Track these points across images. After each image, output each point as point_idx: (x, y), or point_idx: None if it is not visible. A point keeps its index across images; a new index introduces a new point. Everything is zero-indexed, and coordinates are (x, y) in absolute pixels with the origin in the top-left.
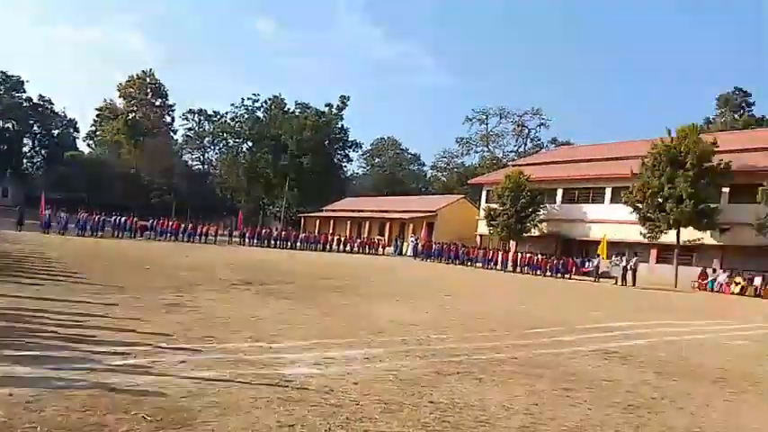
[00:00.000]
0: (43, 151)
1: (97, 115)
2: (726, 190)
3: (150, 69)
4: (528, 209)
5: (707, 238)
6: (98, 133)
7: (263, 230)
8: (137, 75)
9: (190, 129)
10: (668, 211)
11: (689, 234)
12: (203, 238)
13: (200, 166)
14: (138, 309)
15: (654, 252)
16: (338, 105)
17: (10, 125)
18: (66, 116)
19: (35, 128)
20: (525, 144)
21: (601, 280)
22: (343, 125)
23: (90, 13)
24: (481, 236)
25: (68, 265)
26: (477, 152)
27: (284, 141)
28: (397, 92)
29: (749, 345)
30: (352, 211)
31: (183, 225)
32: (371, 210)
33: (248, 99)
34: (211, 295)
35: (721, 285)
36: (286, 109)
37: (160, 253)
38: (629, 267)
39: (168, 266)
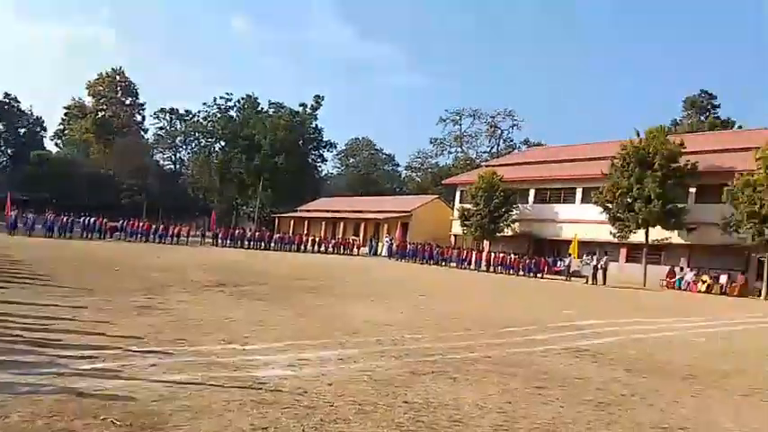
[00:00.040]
0: (9, 150)
1: (65, 114)
2: (692, 190)
3: (120, 67)
4: (501, 209)
5: (674, 237)
6: (66, 132)
7: (237, 231)
8: (106, 73)
9: (161, 128)
10: (637, 211)
11: (657, 233)
12: (175, 238)
13: (172, 166)
14: (108, 311)
15: (623, 251)
16: (312, 105)
17: None
18: (32, 114)
19: (0, 126)
20: (498, 145)
21: (572, 279)
22: (317, 125)
23: (59, 8)
24: (455, 236)
25: (35, 267)
26: (450, 152)
27: (258, 141)
28: (372, 92)
29: (716, 342)
30: (327, 211)
31: (154, 226)
32: (346, 210)
33: (221, 98)
34: (183, 297)
35: (688, 284)
36: (259, 108)
37: (131, 254)
38: (599, 266)
39: (139, 268)
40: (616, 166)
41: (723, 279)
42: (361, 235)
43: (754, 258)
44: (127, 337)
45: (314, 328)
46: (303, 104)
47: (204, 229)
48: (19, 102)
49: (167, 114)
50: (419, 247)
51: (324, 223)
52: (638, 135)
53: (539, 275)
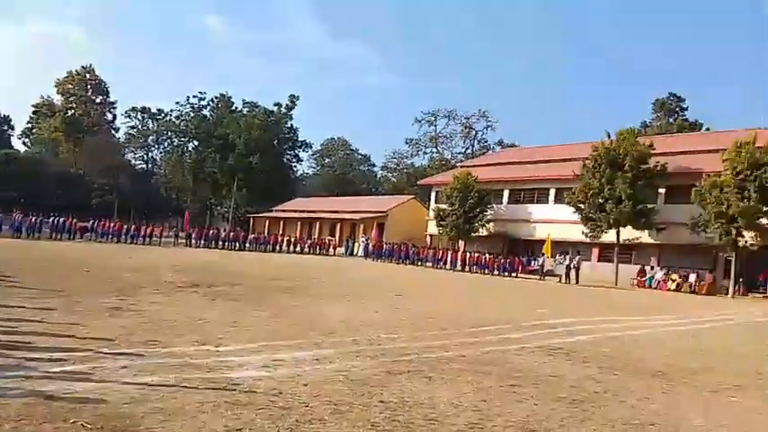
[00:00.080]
0: None
1: (34, 112)
2: (662, 191)
3: (90, 65)
4: (476, 209)
5: (645, 237)
6: (35, 131)
7: (211, 231)
8: (76, 71)
9: (133, 127)
10: (608, 212)
11: (628, 233)
12: (147, 239)
13: (144, 166)
14: (78, 313)
15: (595, 251)
16: (287, 105)
17: None
18: None
19: None
20: (473, 146)
21: (546, 278)
22: (292, 125)
23: (28, 6)
24: (431, 236)
25: (2, 268)
26: (426, 153)
27: (232, 140)
28: (347, 92)
29: (685, 340)
30: (303, 211)
31: (125, 226)
32: (322, 210)
33: (194, 97)
34: (156, 298)
35: (659, 282)
36: (233, 108)
37: (102, 255)
38: (572, 266)
39: (110, 269)
40: (588, 168)
41: (692, 278)
42: (337, 235)
43: (722, 257)
44: (97, 338)
45: (289, 328)
46: (278, 104)
47: (177, 230)
48: None
49: (139, 113)
50: (395, 247)
51: (299, 223)
52: (609, 137)
53: (513, 275)
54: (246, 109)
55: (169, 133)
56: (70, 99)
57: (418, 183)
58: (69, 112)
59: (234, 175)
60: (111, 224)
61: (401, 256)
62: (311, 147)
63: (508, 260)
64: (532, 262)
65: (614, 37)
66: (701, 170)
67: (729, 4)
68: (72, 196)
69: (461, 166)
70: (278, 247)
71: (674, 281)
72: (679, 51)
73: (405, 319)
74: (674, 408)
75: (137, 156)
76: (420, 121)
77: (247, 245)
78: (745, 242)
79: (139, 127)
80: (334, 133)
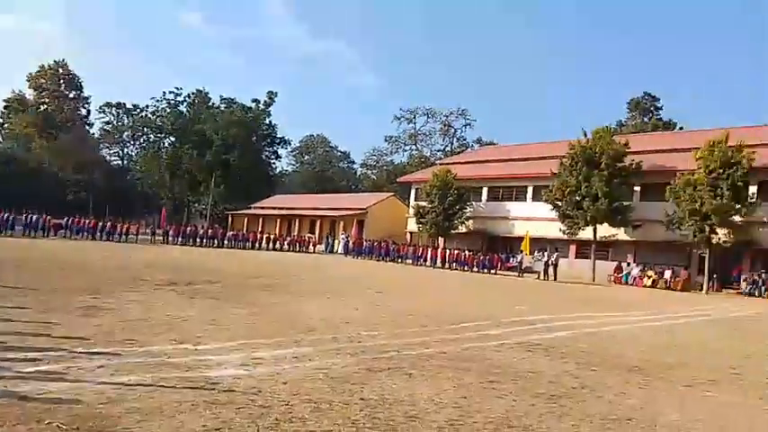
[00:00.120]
0: None
1: (5, 107)
2: (637, 189)
3: (63, 59)
4: (455, 206)
5: (621, 234)
6: (6, 126)
7: (188, 228)
8: (48, 65)
9: (107, 122)
10: (585, 209)
11: (605, 230)
12: (123, 236)
13: (120, 162)
14: (53, 312)
15: (573, 248)
16: (265, 101)
17: None
18: None
19: None
20: (452, 143)
21: (524, 275)
22: (270, 121)
23: None
24: (411, 233)
25: None
26: (405, 150)
27: (209, 137)
28: (326, 89)
29: (661, 335)
30: (282, 208)
31: (101, 223)
32: (301, 207)
33: (170, 93)
34: (133, 296)
35: (635, 279)
36: (211, 104)
37: (76, 253)
38: (550, 262)
39: (85, 267)
40: (565, 165)
41: (667, 274)
42: (317, 232)
43: (696, 254)
44: (73, 338)
45: (268, 326)
46: (256, 100)
47: (154, 227)
48: None
49: (114, 108)
50: (375, 244)
51: (279, 221)
52: (586, 135)
53: (492, 272)
54: (224, 105)
55: (145, 129)
56: (43, 94)
57: (398, 180)
58: (42, 108)
59: (211, 171)
60: (86, 221)
61: (381, 254)
62: (290, 144)
63: (487, 257)
64: (511, 259)
65: (589, 36)
66: (675, 168)
67: (704, 4)
68: (45, 193)
69: (441, 164)
70: (257, 245)
71: (649, 277)
72: (654, 51)
73: (385, 316)
74: (650, 402)
75: (112, 152)
76: (399, 119)
77: (226, 242)
78: (719, 239)
79: (114, 123)
80: (313, 131)
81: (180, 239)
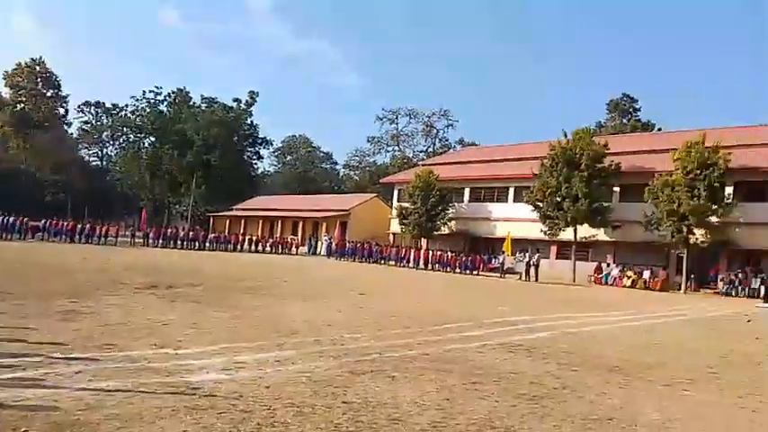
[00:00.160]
0: None
1: None
2: (617, 189)
3: (40, 57)
4: (438, 207)
5: (601, 234)
6: None
7: (169, 230)
8: (25, 63)
9: (86, 122)
10: (566, 210)
11: (585, 231)
12: (103, 239)
13: (99, 162)
14: (29, 317)
15: (554, 248)
16: (247, 101)
17: None
18: None
19: None
20: (434, 144)
21: (506, 276)
22: (252, 121)
23: None
24: (394, 234)
25: None
26: (388, 151)
27: (190, 137)
28: (309, 89)
29: (640, 335)
30: (264, 210)
31: (79, 225)
32: (284, 209)
33: (150, 92)
34: (112, 300)
35: (615, 279)
36: (191, 103)
37: (54, 255)
38: (531, 263)
39: (64, 270)
40: (545, 167)
41: (646, 274)
42: (300, 234)
43: (674, 254)
44: (50, 343)
45: (251, 329)
46: (237, 100)
47: (134, 229)
48: None
49: (92, 108)
50: (358, 245)
51: (261, 222)
52: (566, 136)
53: (474, 273)
54: (205, 105)
55: (124, 129)
56: (19, 92)
57: (380, 181)
58: (19, 106)
59: (192, 172)
60: (65, 223)
61: (364, 255)
62: (272, 144)
63: (469, 258)
64: (493, 260)
65: (570, 37)
66: (654, 169)
67: (682, 6)
68: (23, 194)
69: (423, 165)
70: (239, 247)
71: (629, 277)
72: (633, 53)
73: (368, 318)
74: (630, 402)
75: (91, 152)
76: (382, 119)
77: (207, 244)
78: (696, 239)
79: (93, 122)
80: (295, 131)
81: (160, 241)
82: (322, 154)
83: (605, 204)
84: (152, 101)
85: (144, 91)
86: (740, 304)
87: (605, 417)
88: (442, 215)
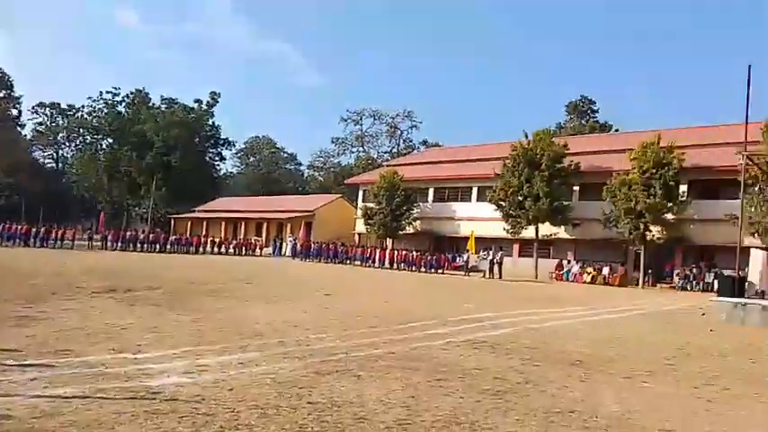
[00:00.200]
0: None
1: None
2: (576, 188)
3: None
4: (402, 207)
5: (561, 232)
6: None
7: (128, 233)
8: None
9: (40, 123)
10: (527, 209)
11: (546, 229)
12: (59, 242)
13: (54, 165)
14: None
15: (516, 246)
16: (208, 102)
17: None
18: None
19: None
20: (398, 145)
21: (471, 274)
22: (214, 122)
23: None
24: (359, 234)
25: None
26: (352, 152)
27: (149, 138)
28: (271, 91)
29: (600, 329)
30: (227, 211)
31: (34, 229)
32: (247, 210)
33: (107, 92)
34: (69, 305)
35: (575, 275)
36: (151, 104)
37: (8, 260)
38: (495, 261)
39: (18, 274)
40: (508, 167)
41: (605, 270)
42: (264, 235)
43: (632, 251)
44: (2, 350)
45: (213, 332)
46: (198, 101)
47: (92, 232)
48: None
49: (47, 109)
50: (323, 246)
51: (224, 224)
52: (527, 137)
53: (439, 271)
54: (164, 105)
55: (81, 130)
56: None
57: (345, 182)
58: None
59: (152, 173)
60: (18, 227)
61: (329, 256)
62: (234, 145)
63: (434, 257)
64: (458, 258)
65: (527, 41)
66: (611, 169)
67: (633, 13)
68: None
69: (388, 165)
70: (201, 249)
71: (589, 273)
72: (590, 54)
73: (333, 318)
74: (591, 395)
75: (46, 154)
76: (346, 120)
77: (168, 247)
78: (653, 236)
79: (48, 123)
80: (258, 132)
81: (119, 245)
82: (286, 155)
83: (565, 203)
84: (109, 102)
85: (101, 92)
86: (695, 298)
87: (567, 410)
88: (406, 215)
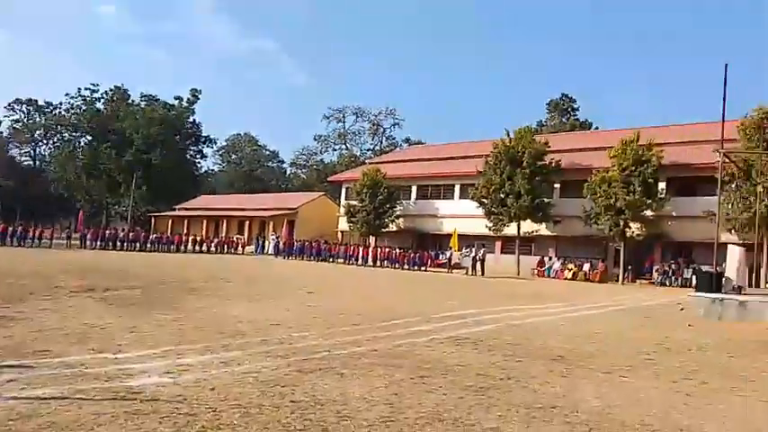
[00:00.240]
0: None
1: None
2: (557, 186)
3: None
4: (385, 205)
5: (543, 229)
6: None
7: (108, 231)
8: None
9: (17, 120)
10: (509, 206)
11: (528, 226)
12: (37, 241)
13: (32, 162)
14: None
15: (499, 243)
16: (189, 99)
17: None
18: None
19: None
20: (381, 142)
21: (454, 271)
22: (195, 120)
23: None
24: (342, 232)
25: None
26: (335, 150)
27: (129, 135)
28: (254, 88)
29: (581, 325)
30: (209, 209)
31: (11, 228)
32: (229, 208)
33: (86, 89)
34: (47, 304)
35: (556, 272)
36: (130, 101)
37: None
38: (477, 258)
39: None
40: (489, 164)
41: (586, 267)
42: (246, 233)
43: (612, 247)
44: None
45: (195, 331)
46: (179, 98)
47: (70, 231)
48: None
49: (24, 106)
50: (306, 244)
51: (205, 222)
52: (509, 135)
53: (422, 269)
54: (144, 102)
55: (59, 127)
56: None
57: (328, 179)
58: None
59: (132, 171)
60: None
61: (312, 253)
62: (215, 143)
63: (417, 254)
64: (440, 255)
65: (511, 39)
66: (592, 166)
67: (616, 14)
68: None
69: (370, 163)
70: (182, 247)
71: (570, 270)
72: (572, 54)
73: (316, 316)
74: (572, 390)
75: (22, 152)
76: (329, 118)
77: (149, 245)
78: (632, 233)
79: (25, 121)
80: (240, 130)
81: (99, 243)
82: (268, 152)
83: (546, 200)
84: (88, 99)
85: (79, 88)
86: (674, 294)
87: (549, 405)
88: (389, 213)
